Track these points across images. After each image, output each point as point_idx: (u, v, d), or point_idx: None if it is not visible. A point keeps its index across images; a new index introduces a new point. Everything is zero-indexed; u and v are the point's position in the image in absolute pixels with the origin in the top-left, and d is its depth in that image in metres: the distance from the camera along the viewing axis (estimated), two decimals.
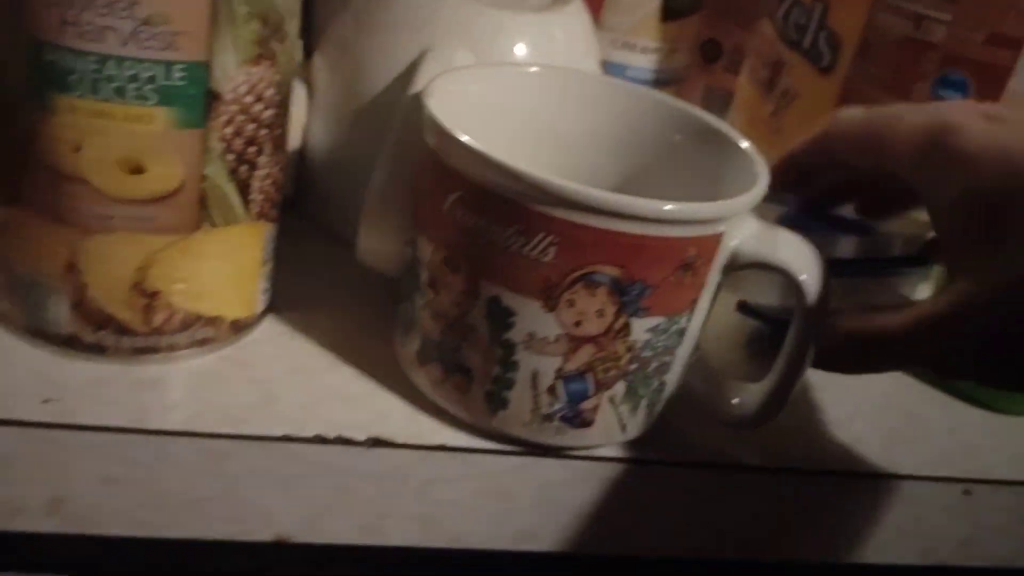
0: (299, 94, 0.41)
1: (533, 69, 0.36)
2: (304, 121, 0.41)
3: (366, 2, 0.39)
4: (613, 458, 0.34)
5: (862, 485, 0.36)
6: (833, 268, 0.32)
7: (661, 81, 0.51)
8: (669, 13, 0.49)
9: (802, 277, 0.31)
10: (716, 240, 0.31)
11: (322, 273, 0.39)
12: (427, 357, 0.33)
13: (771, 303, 0.38)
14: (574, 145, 0.37)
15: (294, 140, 0.40)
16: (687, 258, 0.30)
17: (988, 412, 0.40)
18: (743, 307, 0.40)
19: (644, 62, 0.50)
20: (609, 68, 0.50)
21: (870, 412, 0.39)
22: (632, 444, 0.34)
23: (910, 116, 0.31)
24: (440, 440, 0.33)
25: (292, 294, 0.37)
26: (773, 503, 0.36)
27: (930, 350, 0.30)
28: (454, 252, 0.31)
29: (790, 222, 0.33)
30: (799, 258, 0.32)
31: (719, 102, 0.55)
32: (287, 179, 0.41)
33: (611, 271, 0.30)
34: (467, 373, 0.32)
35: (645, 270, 0.30)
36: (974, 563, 0.38)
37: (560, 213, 0.29)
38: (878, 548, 0.37)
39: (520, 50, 0.38)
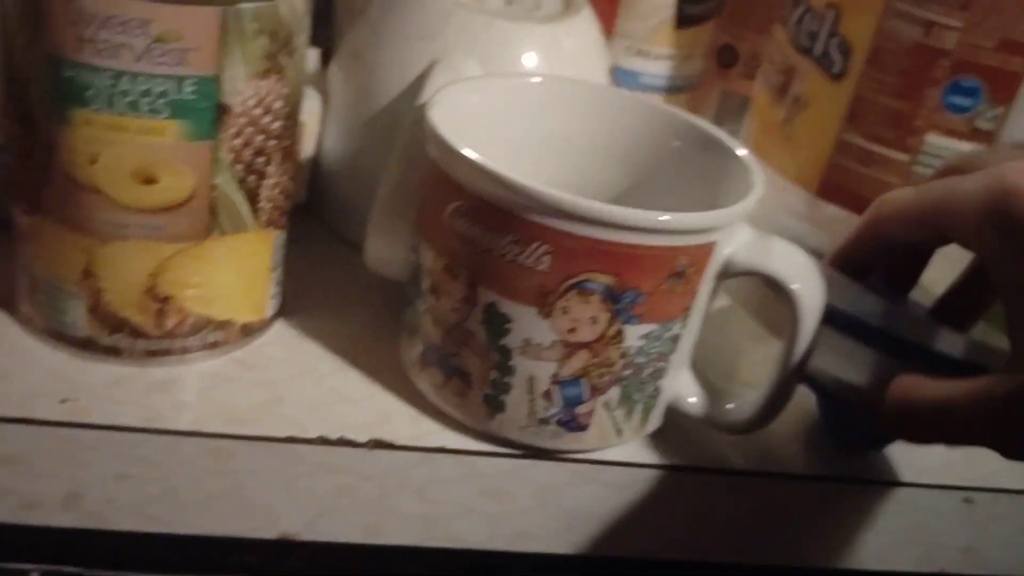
0: (314, 102, 0.42)
1: (535, 79, 0.37)
2: (319, 129, 0.42)
3: (380, 13, 0.40)
4: (609, 461, 0.34)
5: (861, 491, 0.37)
6: (937, 363, 0.31)
7: (676, 87, 0.51)
8: (683, 20, 0.49)
9: (794, 286, 0.32)
10: (708, 249, 0.31)
11: (335, 278, 0.40)
12: (428, 361, 0.34)
13: (830, 372, 0.34)
14: (579, 154, 0.38)
15: (309, 147, 0.42)
16: (678, 267, 0.31)
17: None
18: None
19: (659, 69, 0.50)
20: (624, 75, 0.50)
21: None
22: (628, 448, 0.35)
23: (966, 184, 0.30)
24: (440, 442, 0.33)
25: (305, 298, 0.39)
26: (770, 508, 0.36)
27: (990, 429, 0.28)
28: (454, 260, 0.32)
29: (885, 299, 0.33)
30: (792, 267, 0.32)
31: (736, 107, 0.55)
32: (301, 186, 0.42)
33: (604, 279, 0.30)
34: (466, 377, 0.33)
35: (637, 278, 0.31)
36: (975, 571, 0.38)
37: (553, 223, 0.30)
38: (877, 554, 0.38)
39: (528, 60, 0.39)
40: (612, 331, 0.31)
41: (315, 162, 0.42)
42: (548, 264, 0.30)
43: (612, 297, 0.31)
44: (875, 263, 0.35)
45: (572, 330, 0.31)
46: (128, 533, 0.33)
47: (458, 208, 0.31)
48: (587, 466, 0.34)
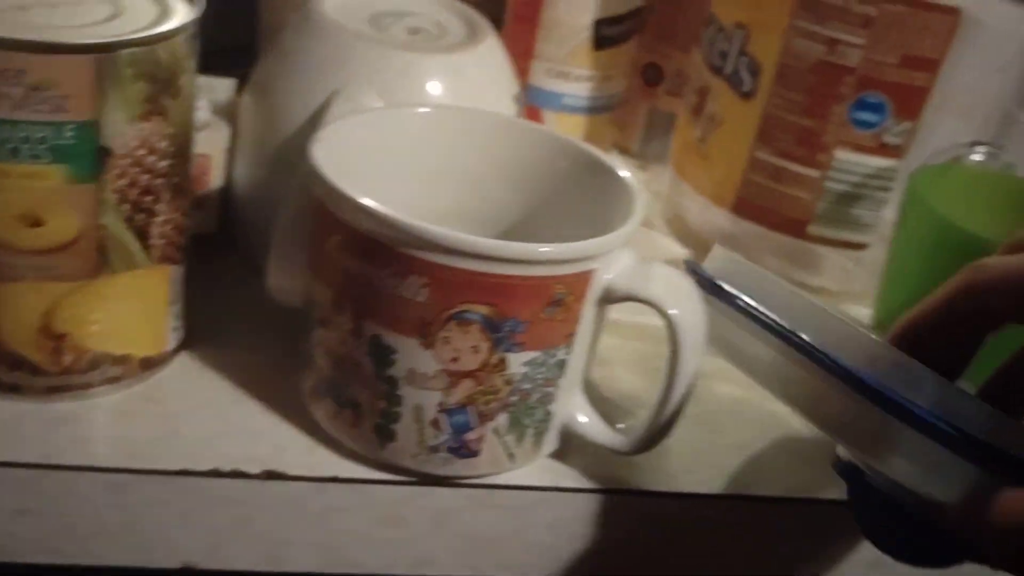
0: (221, 134, 0.42)
1: (423, 110, 0.37)
2: (228, 158, 0.43)
3: (286, 44, 0.41)
4: (503, 485, 0.35)
5: (761, 508, 0.37)
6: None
7: (598, 107, 0.52)
8: (601, 42, 0.50)
9: (672, 312, 0.32)
10: (587, 277, 0.32)
11: (244, 308, 0.41)
12: (322, 392, 0.34)
13: (906, 483, 0.29)
14: (475, 182, 0.38)
15: (217, 178, 0.42)
16: (556, 295, 0.31)
17: None
18: (842, 466, 0.33)
19: (579, 89, 0.51)
20: (545, 96, 0.51)
21: (776, 434, 0.39)
22: (525, 471, 0.35)
23: None
24: (334, 472, 0.34)
25: (214, 328, 0.39)
26: (669, 526, 0.37)
27: None
28: (339, 293, 0.33)
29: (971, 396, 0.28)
30: (671, 293, 0.32)
31: (664, 125, 0.55)
32: (212, 216, 0.43)
33: (481, 309, 0.31)
34: (356, 407, 0.33)
35: (515, 308, 0.31)
36: None
37: (429, 256, 0.30)
38: (780, 570, 0.38)
39: (431, 90, 0.40)
40: (494, 359, 0.32)
41: (226, 192, 0.43)
42: (426, 296, 0.31)
43: (491, 327, 0.31)
44: (959, 341, 0.30)
45: (455, 359, 0.32)
46: (31, 566, 0.34)
47: (339, 242, 0.32)
48: (482, 491, 0.35)
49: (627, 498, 0.36)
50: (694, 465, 0.38)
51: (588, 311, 0.33)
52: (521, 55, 0.51)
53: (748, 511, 0.37)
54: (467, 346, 0.32)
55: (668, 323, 0.32)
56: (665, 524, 0.37)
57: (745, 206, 0.47)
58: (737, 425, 0.40)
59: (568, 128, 0.52)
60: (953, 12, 0.42)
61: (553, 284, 0.31)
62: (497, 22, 0.51)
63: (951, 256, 0.38)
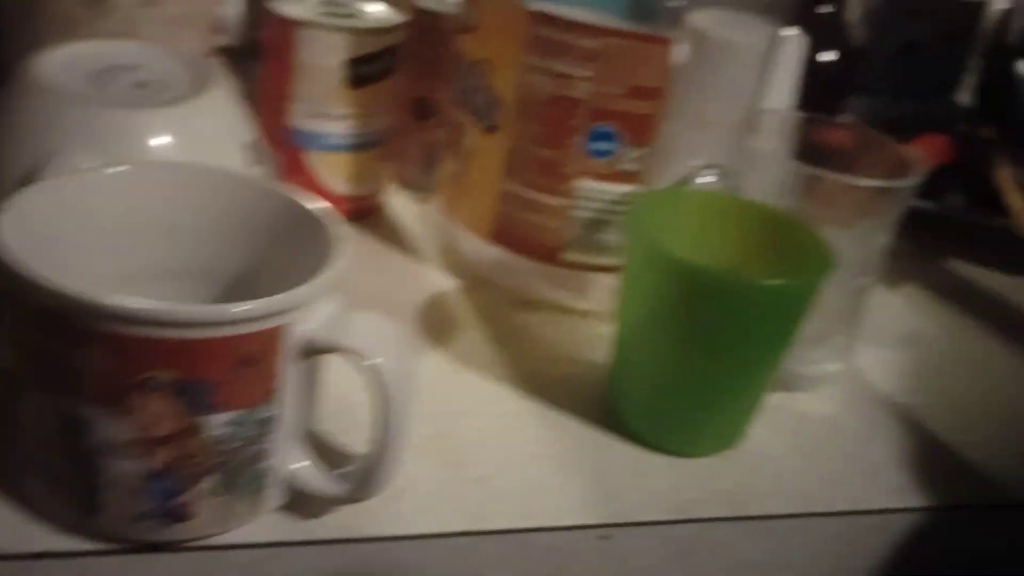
0: None
1: (115, 170, 0.36)
2: None
3: (4, 105, 0.40)
4: (230, 544, 0.34)
5: (498, 541, 0.37)
6: None
7: (363, 144, 0.52)
8: (357, 81, 0.50)
9: (376, 360, 0.32)
10: (275, 333, 0.32)
11: None
12: (28, 466, 0.34)
13: None
14: (192, 238, 0.38)
15: None
16: (244, 354, 0.31)
17: (640, 452, 0.42)
18: None
19: (341, 128, 0.51)
20: (306, 137, 0.51)
21: (515, 464, 0.40)
22: (254, 527, 0.35)
23: None
24: (46, 546, 0.33)
25: None
26: (413, 572, 0.37)
27: None
28: (25, 366, 0.32)
29: None
30: (373, 341, 0.33)
31: (435, 159, 0.56)
32: None
33: (167, 375, 0.31)
34: (59, 480, 0.33)
35: (201, 370, 0.31)
36: None
37: (102, 325, 0.30)
38: None
39: (155, 144, 0.39)
40: (189, 423, 0.32)
41: None
42: (108, 366, 0.30)
43: (180, 391, 0.31)
44: None
45: (148, 427, 0.31)
46: None
47: (17, 315, 0.31)
48: (207, 552, 0.34)
49: (360, 546, 0.36)
50: (434, 504, 0.38)
51: (287, 366, 0.33)
52: (279, 98, 0.51)
53: (487, 544, 0.37)
54: (159, 412, 0.31)
55: (372, 372, 0.32)
56: (405, 569, 0.37)
57: (503, 236, 0.48)
58: (480, 458, 0.40)
59: (334, 166, 0.52)
60: (667, 43, 0.44)
61: (239, 343, 0.31)
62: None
63: (663, 279, 0.39)
